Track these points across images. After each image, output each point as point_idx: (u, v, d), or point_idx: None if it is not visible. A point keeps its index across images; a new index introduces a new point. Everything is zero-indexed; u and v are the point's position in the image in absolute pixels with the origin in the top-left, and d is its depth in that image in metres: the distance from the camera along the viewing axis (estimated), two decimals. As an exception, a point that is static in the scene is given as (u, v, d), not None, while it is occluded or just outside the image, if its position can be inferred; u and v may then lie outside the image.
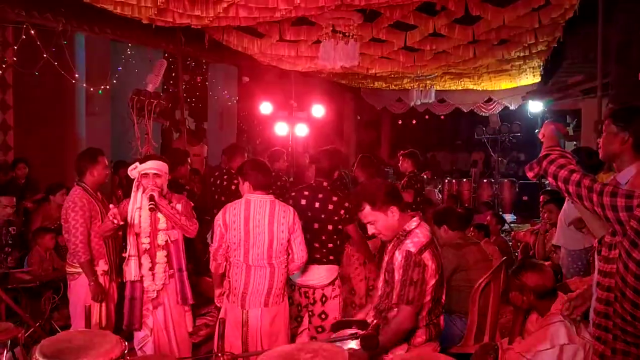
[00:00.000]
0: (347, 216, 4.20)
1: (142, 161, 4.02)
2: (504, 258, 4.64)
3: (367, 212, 2.84)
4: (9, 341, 2.47)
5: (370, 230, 2.92)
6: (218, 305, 3.94)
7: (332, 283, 4.16)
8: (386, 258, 2.94)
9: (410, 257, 2.70)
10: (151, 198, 3.81)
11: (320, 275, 4.13)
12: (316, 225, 4.18)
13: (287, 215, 3.58)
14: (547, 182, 2.71)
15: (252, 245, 3.53)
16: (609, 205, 2.07)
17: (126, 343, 2.47)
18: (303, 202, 4.24)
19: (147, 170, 3.92)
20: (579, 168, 2.23)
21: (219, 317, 3.48)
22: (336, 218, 4.19)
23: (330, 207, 4.20)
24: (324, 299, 4.13)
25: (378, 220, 2.84)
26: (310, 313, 4.16)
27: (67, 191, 5.37)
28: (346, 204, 4.21)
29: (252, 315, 3.54)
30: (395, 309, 2.76)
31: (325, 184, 4.31)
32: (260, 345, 3.50)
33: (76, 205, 4.11)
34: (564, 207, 5.15)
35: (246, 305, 3.54)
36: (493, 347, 3.36)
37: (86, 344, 2.41)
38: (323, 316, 4.11)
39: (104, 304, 4.22)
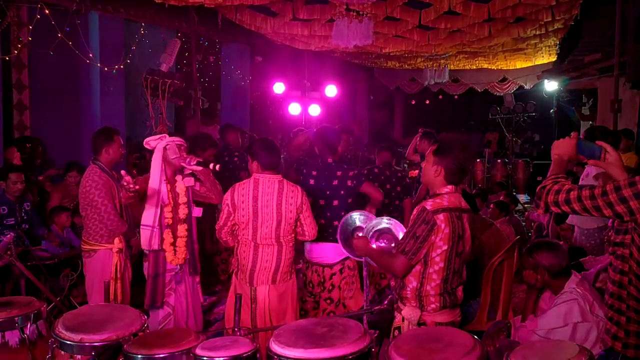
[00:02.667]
0: (355, 182, 4.26)
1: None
2: (518, 237, 4.64)
3: (431, 151, 2.85)
4: (32, 314, 2.52)
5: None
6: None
7: (340, 263, 4.20)
8: None
9: (423, 213, 2.69)
10: (197, 162, 3.89)
11: (327, 253, 4.20)
12: (322, 202, 4.24)
13: (295, 194, 3.61)
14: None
15: (260, 224, 3.57)
16: (616, 201, 2.06)
17: (146, 317, 2.53)
18: (311, 182, 4.29)
19: (178, 142, 3.98)
20: (574, 186, 2.21)
21: (235, 293, 3.53)
22: (342, 192, 4.24)
23: (335, 182, 4.25)
24: (332, 277, 4.21)
25: (427, 163, 2.86)
26: (321, 288, 4.25)
27: (80, 170, 5.45)
28: (351, 173, 4.29)
29: (260, 291, 3.60)
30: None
31: (330, 160, 4.36)
32: (269, 321, 3.56)
33: (98, 183, 4.19)
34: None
35: (254, 282, 3.60)
36: (505, 325, 3.38)
37: (107, 318, 2.47)
38: (330, 287, 4.22)
39: (119, 281, 4.30)
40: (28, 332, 2.47)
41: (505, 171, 12.77)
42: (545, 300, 3.29)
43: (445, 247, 2.70)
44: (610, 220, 4.55)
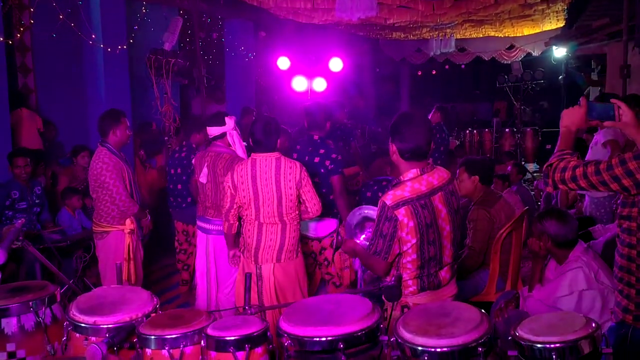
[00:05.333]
0: (333, 166, 4.27)
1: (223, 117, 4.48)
2: (526, 208, 4.63)
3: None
4: (47, 298, 2.57)
5: None
6: (231, 265, 4.09)
7: (329, 236, 4.23)
8: None
9: (384, 210, 2.60)
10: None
11: (313, 228, 4.26)
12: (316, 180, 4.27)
13: (293, 171, 3.61)
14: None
15: (262, 203, 3.60)
16: (622, 174, 2.06)
17: (157, 298, 2.57)
18: (294, 155, 4.32)
19: None
20: (580, 162, 2.20)
21: (244, 272, 3.57)
22: (322, 170, 4.28)
23: (317, 159, 4.29)
24: (322, 250, 4.34)
25: (390, 149, 2.74)
26: (319, 264, 4.37)
27: (90, 153, 5.49)
28: (333, 155, 4.30)
29: (265, 269, 3.64)
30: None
31: (315, 137, 4.39)
32: (275, 299, 3.60)
33: (108, 165, 4.23)
34: (587, 154, 5.11)
35: (259, 261, 3.63)
36: (514, 295, 3.41)
37: (120, 300, 2.51)
38: (325, 263, 4.35)
39: (132, 262, 4.37)
40: (43, 316, 2.51)
41: (513, 140, 12.70)
42: (550, 269, 3.30)
43: (414, 241, 2.60)
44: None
